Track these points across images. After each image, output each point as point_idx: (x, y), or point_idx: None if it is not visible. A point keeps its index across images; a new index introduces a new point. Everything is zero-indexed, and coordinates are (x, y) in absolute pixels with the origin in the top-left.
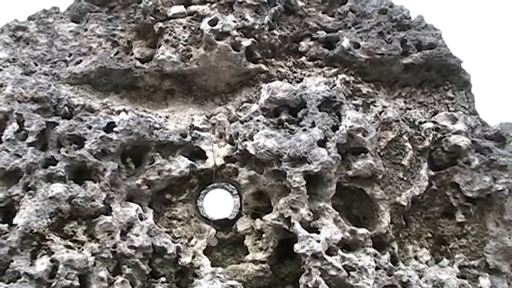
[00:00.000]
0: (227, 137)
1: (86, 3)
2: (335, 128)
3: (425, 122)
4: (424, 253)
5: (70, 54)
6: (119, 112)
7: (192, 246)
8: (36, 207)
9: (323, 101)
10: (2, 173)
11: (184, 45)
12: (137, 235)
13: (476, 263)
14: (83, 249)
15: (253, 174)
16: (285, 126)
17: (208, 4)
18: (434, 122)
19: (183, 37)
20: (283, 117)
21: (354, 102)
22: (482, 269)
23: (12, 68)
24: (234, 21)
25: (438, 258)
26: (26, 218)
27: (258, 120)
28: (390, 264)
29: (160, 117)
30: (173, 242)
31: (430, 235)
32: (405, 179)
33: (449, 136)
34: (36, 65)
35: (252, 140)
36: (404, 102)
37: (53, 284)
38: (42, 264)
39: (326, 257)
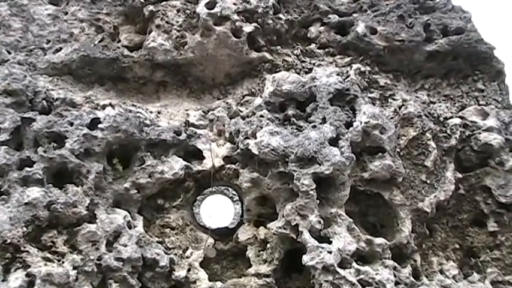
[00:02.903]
0: (227, 135)
1: None
2: (349, 125)
3: (451, 117)
4: (450, 266)
5: (48, 41)
6: (104, 107)
7: (188, 257)
8: (10, 215)
9: (335, 94)
10: None
11: (178, 31)
12: (125, 245)
13: None
14: (63, 262)
15: (256, 177)
16: (292, 122)
17: None
18: (461, 118)
19: (177, 22)
20: (290, 112)
21: (370, 95)
22: None
23: None
24: (235, 4)
25: (467, 273)
26: None
27: (261, 116)
28: (412, 278)
29: (151, 112)
30: (166, 253)
31: (457, 246)
32: (428, 182)
33: (479, 133)
34: (10, 53)
35: (255, 138)
36: (428, 95)
37: None
38: (16, 279)
39: (339, 270)
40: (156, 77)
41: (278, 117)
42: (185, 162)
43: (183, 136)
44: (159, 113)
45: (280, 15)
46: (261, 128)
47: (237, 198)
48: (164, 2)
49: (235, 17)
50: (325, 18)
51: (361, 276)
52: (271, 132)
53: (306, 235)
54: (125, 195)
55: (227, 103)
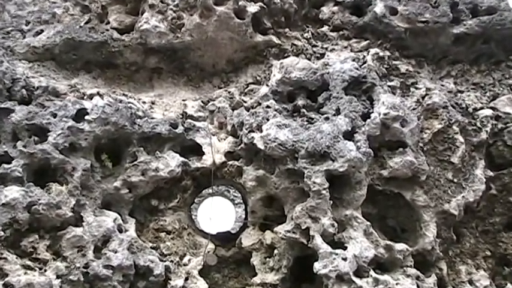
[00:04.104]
0: (229, 128)
1: None
2: (365, 116)
3: (481, 108)
4: (481, 276)
5: (28, 23)
6: (91, 96)
7: (185, 265)
8: None
9: (350, 82)
10: None
11: (175, 11)
12: (115, 251)
13: None
14: (45, 270)
15: (261, 175)
16: (302, 113)
17: None
18: (493, 109)
19: (173, 1)
20: (300, 102)
21: (389, 83)
22: None
23: None
24: None
25: (500, 284)
26: None
27: (267, 107)
28: None
29: (144, 102)
30: (161, 260)
31: (489, 253)
32: (456, 181)
33: None
34: None
35: (261, 131)
36: (455, 83)
37: None
38: None
39: (355, 279)
40: (150, 63)
41: (286, 108)
42: (182, 159)
43: (180, 129)
44: (153, 103)
45: None
46: (267, 120)
47: (239, 200)
48: None
49: None
50: None
51: (380, 287)
52: (278, 124)
53: (318, 240)
54: (115, 195)
55: (229, 92)
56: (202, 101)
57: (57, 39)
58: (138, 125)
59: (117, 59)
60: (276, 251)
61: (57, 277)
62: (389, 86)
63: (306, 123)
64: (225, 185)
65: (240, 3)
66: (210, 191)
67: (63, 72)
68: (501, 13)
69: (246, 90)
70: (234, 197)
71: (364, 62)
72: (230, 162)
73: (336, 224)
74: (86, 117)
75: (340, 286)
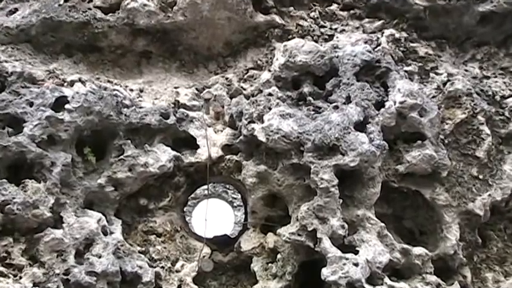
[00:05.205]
0: (226, 118)
1: None
2: (379, 105)
3: (510, 96)
4: (510, 285)
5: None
6: (72, 83)
7: (178, 271)
8: None
9: (362, 67)
10: None
11: None
12: (99, 256)
13: None
14: (20, 277)
15: (263, 171)
16: (308, 102)
17: None
18: None
19: None
20: (306, 89)
21: (406, 68)
22: None
23: None
24: None
25: None
26: None
27: (269, 94)
28: None
29: (131, 90)
30: (150, 265)
31: None
32: (481, 177)
33: None
34: None
35: (262, 121)
36: (480, 68)
37: None
38: None
39: (367, 287)
40: (138, 46)
41: (291, 96)
42: (174, 153)
43: (172, 120)
44: (141, 91)
45: None
46: (270, 109)
47: (239, 203)
48: None
49: None
50: None
51: None
52: (282, 114)
53: (326, 243)
54: (99, 193)
55: (227, 79)
56: (196, 89)
57: (33, 19)
58: (125, 115)
59: (101, 41)
60: (279, 256)
61: (34, 285)
62: (406, 71)
63: (312, 112)
64: (223, 183)
65: None
66: (206, 191)
67: (41, 56)
68: None
69: (245, 76)
70: (232, 199)
71: (378, 45)
72: (228, 157)
73: (346, 226)
74: (66, 106)
75: None
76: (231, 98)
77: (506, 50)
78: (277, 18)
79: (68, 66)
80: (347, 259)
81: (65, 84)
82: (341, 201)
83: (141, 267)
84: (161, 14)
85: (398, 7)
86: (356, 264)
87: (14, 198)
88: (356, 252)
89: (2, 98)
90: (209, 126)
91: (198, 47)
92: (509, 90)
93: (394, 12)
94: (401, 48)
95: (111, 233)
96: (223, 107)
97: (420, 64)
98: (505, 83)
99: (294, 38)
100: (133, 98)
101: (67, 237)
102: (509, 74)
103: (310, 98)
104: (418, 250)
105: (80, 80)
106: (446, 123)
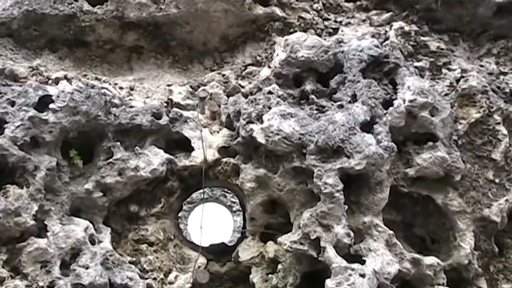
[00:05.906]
0: (223, 118)
1: None
2: (388, 104)
3: None
4: None
5: None
6: (57, 81)
7: (171, 283)
8: None
9: (369, 63)
10: None
11: None
12: (86, 267)
13: None
14: None
15: (262, 174)
16: (310, 100)
17: None
18: None
19: None
20: (308, 87)
21: (416, 64)
22: None
23: None
24: None
25: None
26: None
27: (269, 93)
28: None
29: (121, 88)
30: (142, 277)
31: None
32: (497, 181)
33: None
34: None
35: (261, 122)
36: (497, 63)
37: None
38: None
39: None
40: (128, 41)
41: (292, 94)
42: (167, 155)
43: (165, 120)
44: (131, 89)
45: None
46: (269, 108)
47: (238, 207)
48: None
49: None
50: None
51: None
52: (282, 114)
53: (330, 252)
54: (86, 199)
55: (223, 76)
56: (191, 86)
57: (15, 11)
58: (114, 115)
59: (88, 35)
60: (280, 266)
61: None
62: (416, 67)
63: (315, 112)
64: (219, 187)
65: None
66: (202, 195)
67: (23, 52)
68: None
69: (243, 73)
70: (231, 203)
71: (386, 39)
72: (224, 160)
73: (352, 234)
74: (51, 105)
75: None
76: (228, 96)
77: None
78: (278, 11)
79: (53, 62)
80: (353, 270)
81: (50, 82)
82: (346, 207)
83: (131, 279)
84: (153, 6)
85: None
86: (363, 275)
87: None
88: (363, 262)
89: None
90: (204, 127)
91: (192, 41)
92: None
93: (403, 3)
94: (411, 43)
95: (99, 242)
96: (219, 106)
97: (432, 59)
98: None
99: (296, 31)
100: (123, 96)
101: (52, 247)
102: None
103: (313, 97)
104: (429, 260)
105: (65, 77)
106: (460, 123)
